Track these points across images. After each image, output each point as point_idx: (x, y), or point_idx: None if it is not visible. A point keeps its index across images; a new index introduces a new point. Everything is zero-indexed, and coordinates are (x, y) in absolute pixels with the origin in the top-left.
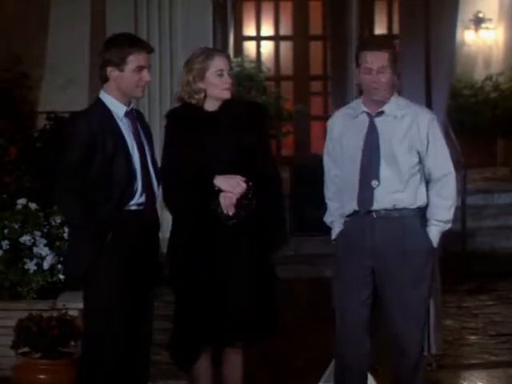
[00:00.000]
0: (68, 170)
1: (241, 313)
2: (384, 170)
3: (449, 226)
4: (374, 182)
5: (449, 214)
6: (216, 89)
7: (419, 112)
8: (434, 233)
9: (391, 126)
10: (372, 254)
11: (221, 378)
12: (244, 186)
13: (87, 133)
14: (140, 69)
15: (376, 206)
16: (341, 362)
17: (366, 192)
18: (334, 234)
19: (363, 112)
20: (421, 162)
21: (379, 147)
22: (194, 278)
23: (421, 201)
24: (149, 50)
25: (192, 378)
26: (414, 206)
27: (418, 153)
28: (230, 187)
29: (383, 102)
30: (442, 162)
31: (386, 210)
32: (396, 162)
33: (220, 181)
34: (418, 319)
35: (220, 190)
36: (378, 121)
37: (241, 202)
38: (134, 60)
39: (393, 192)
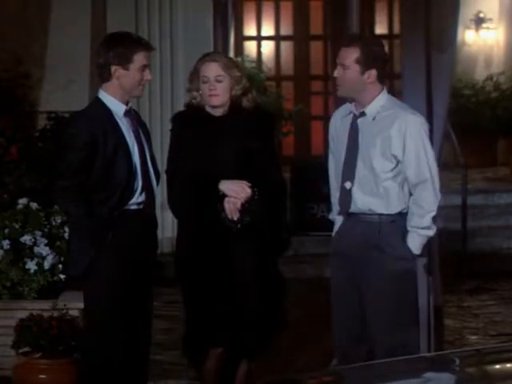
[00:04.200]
0: (69, 170)
1: (246, 317)
2: (360, 171)
3: (427, 232)
4: (348, 184)
5: (424, 221)
6: (203, 95)
7: (400, 115)
8: (411, 239)
9: (369, 127)
10: (351, 258)
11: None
12: (249, 191)
13: (89, 133)
14: (144, 67)
15: (354, 208)
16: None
17: (344, 194)
18: (334, 232)
19: (351, 112)
20: (398, 166)
21: (358, 148)
22: (199, 282)
23: (399, 207)
24: (151, 48)
25: (203, 379)
26: (392, 212)
27: (395, 157)
28: (235, 192)
29: (367, 103)
30: (418, 168)
31: (364, 214)
32: (371, 163)
33: (225, 186)
34: (401, 321)
35: (224, 195)
36: (359, 122)
37: (245, 207)
38: (139, 59)
39: (367, 194)
